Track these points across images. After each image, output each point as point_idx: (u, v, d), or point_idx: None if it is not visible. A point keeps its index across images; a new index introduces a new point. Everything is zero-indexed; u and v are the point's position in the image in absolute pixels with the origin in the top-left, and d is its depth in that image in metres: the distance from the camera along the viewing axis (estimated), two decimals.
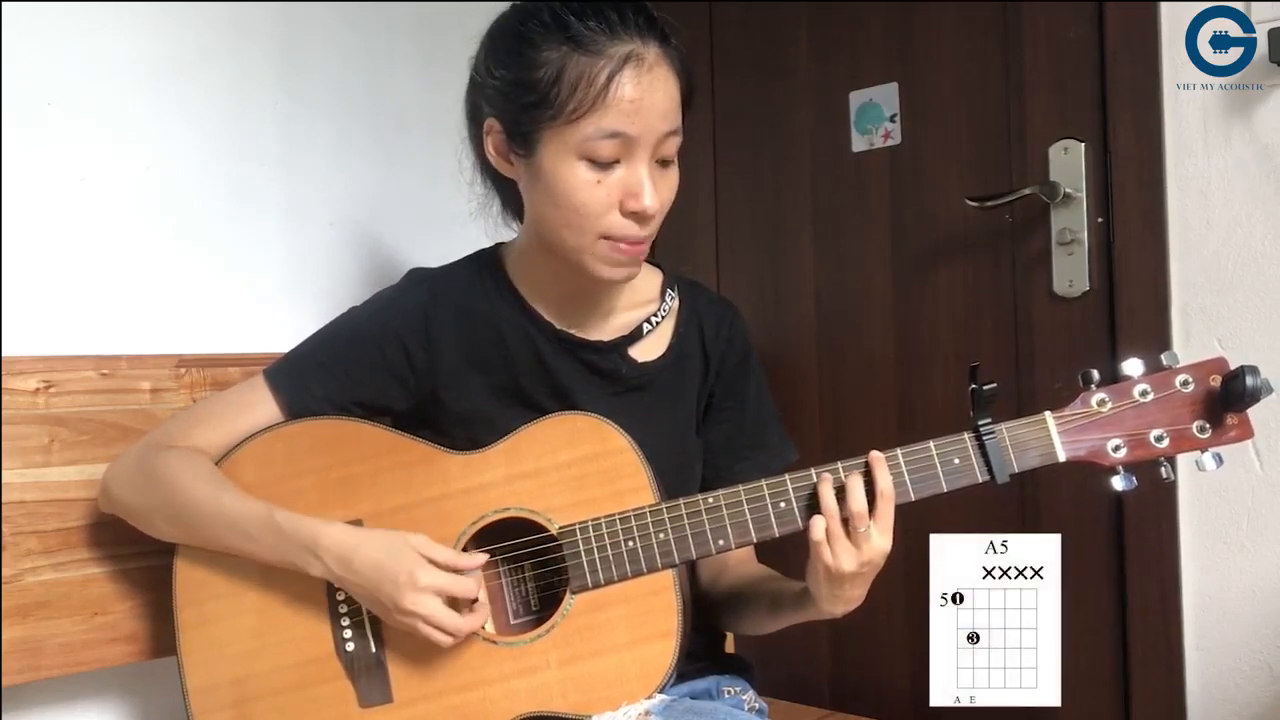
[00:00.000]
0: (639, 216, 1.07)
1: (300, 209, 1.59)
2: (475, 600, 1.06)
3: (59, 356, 1.26)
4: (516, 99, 1.07)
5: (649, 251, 1.14)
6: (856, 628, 1.79)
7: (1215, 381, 1.00)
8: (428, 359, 1.17)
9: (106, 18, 1.39)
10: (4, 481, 1.19)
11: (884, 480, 1.00)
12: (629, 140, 1.04)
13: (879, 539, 1.00)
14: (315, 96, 1.61)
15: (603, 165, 1.05)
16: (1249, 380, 0.96)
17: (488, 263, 1.22)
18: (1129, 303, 1.49)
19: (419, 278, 1.22)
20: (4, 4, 1.29)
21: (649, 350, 1.21)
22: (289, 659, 1.11)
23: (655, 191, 1.06)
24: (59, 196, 1.35)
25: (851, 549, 0.99)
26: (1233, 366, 1.00)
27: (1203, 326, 1.44)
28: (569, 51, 1.04)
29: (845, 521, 1.00)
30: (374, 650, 1.09)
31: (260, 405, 1.16)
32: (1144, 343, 1.47)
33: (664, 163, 1.09)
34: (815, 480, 1.03)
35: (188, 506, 1.11)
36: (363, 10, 1.67)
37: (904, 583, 1.73)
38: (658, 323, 1.21)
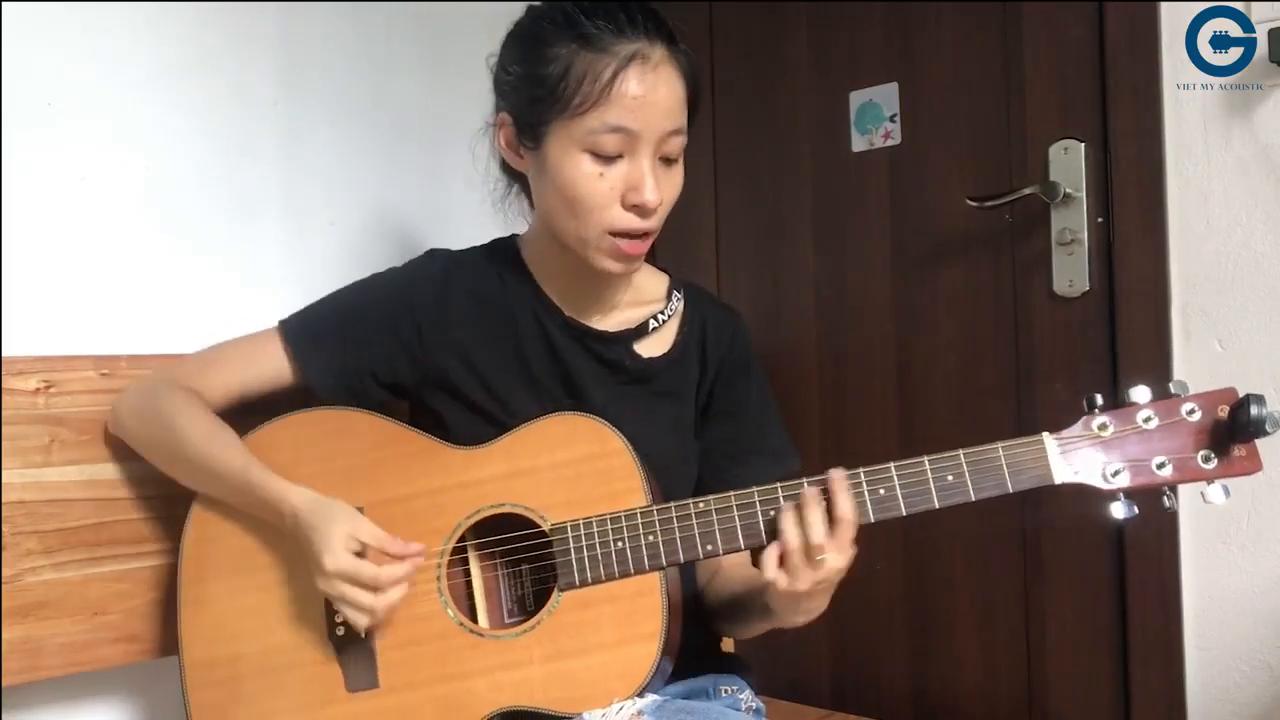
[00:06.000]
0: (641, 209, 1.09)
1: (300, 209, 1.60)
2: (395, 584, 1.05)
3: (59, 356, 1.26)
4: (526, 93, 1.11)
5: (650, 254, 1.16)
6: (856, 628, 1.80)
7: (1223, 411, 0.96)
8: (438, 335, 1.19)
9: (106, 18, 1.39)
10: (4, 481, 1.18)
11: (843, 506, 0.99)
12: (632, 135, 1.07)
13: (835, 560, 0.99)
14: (315, 97, 1.61)
15: (606, 159, 1.08)
16: (1255, 410, 0.91)
17: (506, 249, 1.25)
18: (1129, 303, 1.49)
19: (438, 256, 1.25)
20: (4, 4, 1.29)
21: (653, 347, 1.22)
22: (283, 639, 1.13)
23: (657, 186, 1.09)
24: (59, 196, 1.35)
25: (808, 570, 0.99)
26: (1241, 394, 0.95)
27: (1203, 326, 1.44)
28: (577, 49, 1.07)
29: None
30: (364, 636, 1.10)
31: (271, 360, 1.20)
32: (1144, 343, 1.47)
33: (668, 161, 1.12)
34: (807, 491, 1.02)
35: (183, 449, 1.15)
36: (363, 12, 1.67)
37: (904, 583, 1.73)
38: (663, 321, 1.23)
